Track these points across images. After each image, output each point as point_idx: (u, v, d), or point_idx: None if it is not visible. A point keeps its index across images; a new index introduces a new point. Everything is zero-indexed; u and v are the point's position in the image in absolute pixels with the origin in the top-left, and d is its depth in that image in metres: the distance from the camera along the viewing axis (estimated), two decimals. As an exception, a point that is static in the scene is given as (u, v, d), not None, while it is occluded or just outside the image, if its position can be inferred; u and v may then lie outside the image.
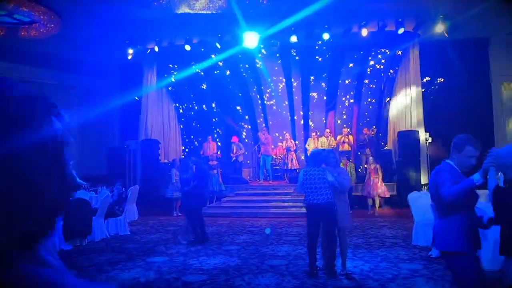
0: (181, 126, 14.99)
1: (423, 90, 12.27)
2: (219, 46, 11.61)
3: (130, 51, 12.21)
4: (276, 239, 7.90)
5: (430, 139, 12.32)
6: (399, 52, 12.21)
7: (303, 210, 10.87)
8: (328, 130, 12.89)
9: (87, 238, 7.54)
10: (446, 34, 10.72)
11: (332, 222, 5.40)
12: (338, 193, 5.53)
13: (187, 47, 11.76)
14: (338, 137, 12.86)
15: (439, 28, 10.55)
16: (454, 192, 2.95)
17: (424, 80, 12.31)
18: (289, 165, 12.74)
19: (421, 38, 11.86)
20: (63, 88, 15.80)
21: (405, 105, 12.23)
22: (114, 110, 16.46)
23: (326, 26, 10.80)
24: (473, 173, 2.93)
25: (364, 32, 10.74)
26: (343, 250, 5.58)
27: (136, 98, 14.67)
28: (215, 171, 12.19)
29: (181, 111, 14.82)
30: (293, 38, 11.08)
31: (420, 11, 10.54)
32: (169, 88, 14.40)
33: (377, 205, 10.60)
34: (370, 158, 10.80)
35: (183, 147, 15.09)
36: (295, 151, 13.12)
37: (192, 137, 15.07)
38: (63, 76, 15.15)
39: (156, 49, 12.00)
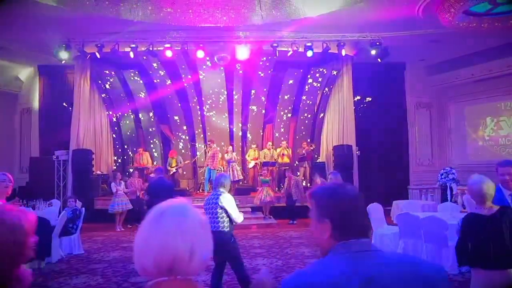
0: (114, 136, 14.24)
1: (354, 107, 13.38)
2: (170, 55, 11.36)
3: (65, 55, 11.32)
4: (246, 252, 8.03)
5: (358, 153, 13.47)
6: (335, 72, 13.18)
7: (257, 221, 11.24)
8: (270, 143, 13.38)
9: (45, 259, 6.90)
10: (379, 60, 11.89)
11: (220, 253, 4.57)
12: None
13: (132, 54, 11.32)
14: (278, 149, 13.41)
15: (374, 52, 11.66)
16: None
17: (355, 99, 13.45)
18: (233, 176, 12.89)
19: (354, 60, 12.97)
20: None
21: (338, 121, 13.21)
22: (33, 117, 15.09)
23: (275, 44, 11.25)
24: None
25: (309, 53, 11.43)
26: None
27: (65, 104, 13.63)
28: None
29: (114, 119, 14.09)
30: (242, 54, 11.32)
31: (360, 37, 11.56)
32: (103, 95, 13.62)
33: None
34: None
35: (115, 158, 14.34)
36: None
37: (126, 147, 14.39)
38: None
39: (98, 54, 11.32)
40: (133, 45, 11.26)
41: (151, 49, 11.31)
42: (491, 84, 14.25)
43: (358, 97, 13.69)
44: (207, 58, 12.26)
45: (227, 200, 4.79)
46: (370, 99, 14.07)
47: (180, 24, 10.76)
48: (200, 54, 11.28)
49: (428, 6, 10.36)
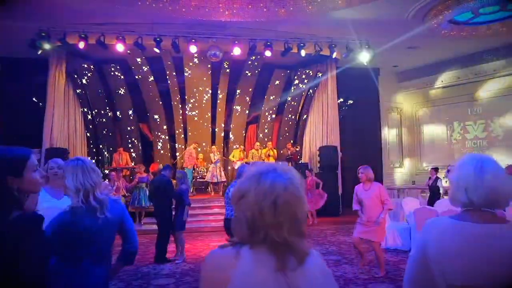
0: (88, 134, 13.33)
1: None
2: (157, 51, 10.87)
3: (45, 45, 10.44)
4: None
5: (341, 154, 13.69)
6: (320, 74, 13.33)
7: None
8: (258, 143, 13.21)
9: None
10: (366, 63, 12.19)
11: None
12: None
13: (120, 48, 10.70)
14: (264, 150, 13.28)
15: (363, 56, 11.92)
16: None
17: (339, 101, 13.68)
18: (219, 177, 12.61)
19: (338, 63, 13.19)
20: None
21: (322, 123, 13.37)
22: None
23: (268, 43, 11.16)
24: None
25: (303, 53, 11.47)
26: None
27: (35, 99, 12.56)
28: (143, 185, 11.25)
29: (89, 117, 13.19)
30: (236, 51, 11.12)
31: (349, 40, 11.75)
32: (78, 91, 12.70)
33: (314, 214, 11.31)
34: (307, 171, 11.51)
35: (89, 157, 13.41)
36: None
37: (101, 146, 13.52)
38: None
39: (82, 45, 10.55)
40: (121, 37, 10.66)
41: (139, 42, 10.76)
42: (459, 91, 15.17)
43: (342, 99, 13.94)
44: (195, 55, 11.91)
45: None
46: (352, 101, 14.37)
47: (173, 17, 10.34)
48: (193, 49, 10.92)
49: (417, 13, 10.82)
